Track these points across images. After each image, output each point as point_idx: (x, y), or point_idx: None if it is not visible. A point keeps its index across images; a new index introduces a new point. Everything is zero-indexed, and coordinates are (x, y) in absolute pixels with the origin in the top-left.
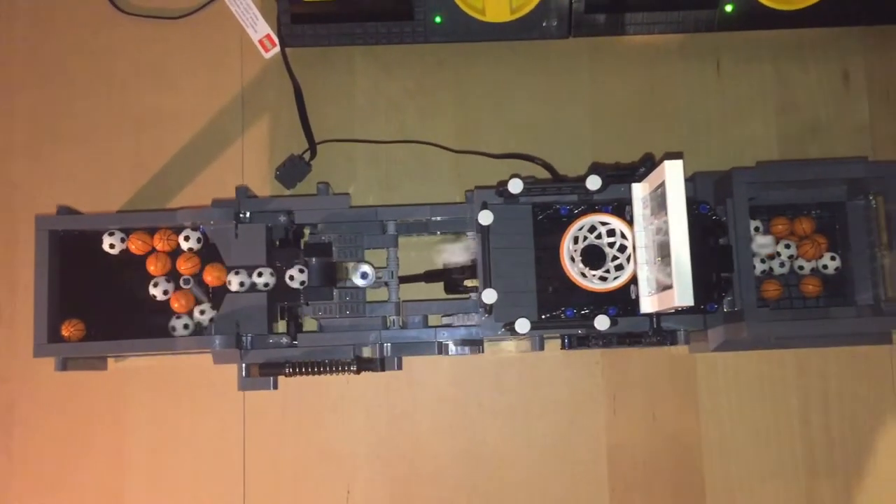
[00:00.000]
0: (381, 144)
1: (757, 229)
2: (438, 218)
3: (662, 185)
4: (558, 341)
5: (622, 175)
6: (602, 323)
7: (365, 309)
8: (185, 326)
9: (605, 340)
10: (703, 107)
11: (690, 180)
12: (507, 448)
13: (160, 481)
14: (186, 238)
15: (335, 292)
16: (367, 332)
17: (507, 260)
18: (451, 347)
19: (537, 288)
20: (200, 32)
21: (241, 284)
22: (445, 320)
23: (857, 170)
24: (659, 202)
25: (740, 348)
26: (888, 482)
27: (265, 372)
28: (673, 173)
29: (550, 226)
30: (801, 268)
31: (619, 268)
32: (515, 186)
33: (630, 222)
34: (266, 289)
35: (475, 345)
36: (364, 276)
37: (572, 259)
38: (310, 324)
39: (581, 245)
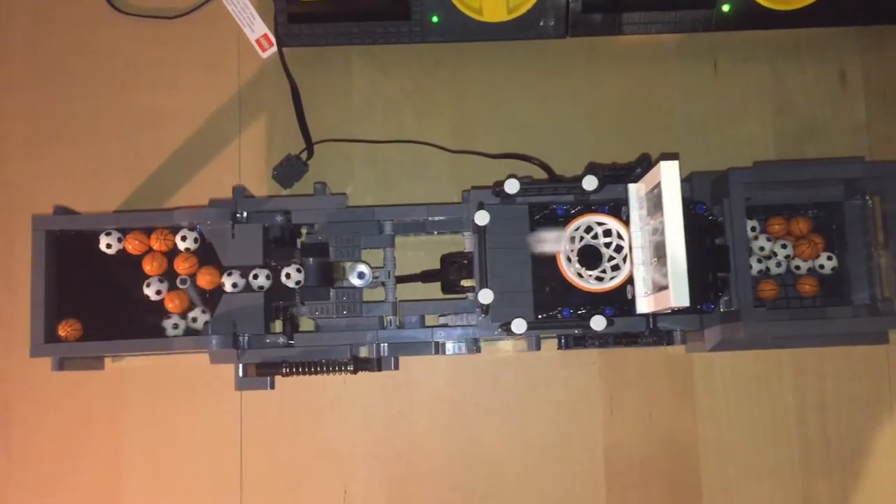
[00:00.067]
0: (378, 144)
1: (754, 229)
2: (435, 218)
3: (658, 185)
4: (555, 341)
5: (618, 175)
6: (598, 323)
7: (362, 309)
8: (175, 326)
9: (602, 340)
10: (700, 107)
11: (687, 180)
12: (504, 448)
13: (157, 481)
14: (183, 238)
15: (332, 292)
16: (364, 331)
17: (504, 260)
18: (448, 347)
19: (534, 288)
20: (197, 32)
21: (234, 286)
22: (442, 320)
23: (854, 170)
24: (655, 202)
25: (737, 348)
26: (885, 482)
27: (262, 372)
28: (669, 174)
29: (547, 226)
30: (797, 268)
31: (616, 268)
32: (512, 187)
33: (626, 222)
34: (261, 290)
35: (472, 344)
36: (361, 275)
37: (569, 259)
38: (307, 324)
39: (577, 245)
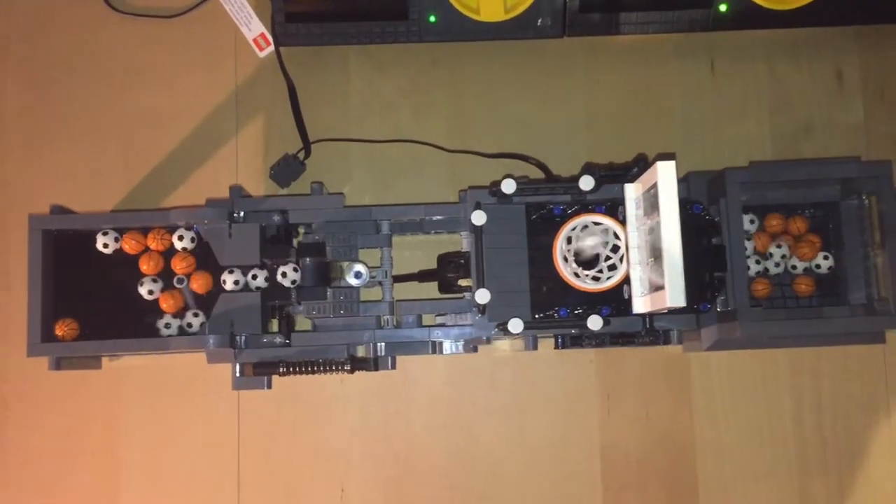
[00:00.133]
0: (376, 144)
1: (752, 221)
2: (432, 217)
3: (655, 185)
4: (552, 340)
5: (615, 175)
6: (595, 323)
7: (359, 308)
8: (167, 326)
9: (598, 340)
10: (698, 106)
11: (684, 180)
12: (502, 447)
13: (155, 480)
14: (180, 238)
15: (329, 292)
16: (361, 331)
17: (501, 260)
18: (446, 346)
19: (531, 288)
20: (194, 31)
21: (237, 283)
22: (439, 320)
23: (851, 170)
24: (652, 203)
25: (734, 347)
26: (881, 481)
27: (259, 371)
28: (665, 174)
29: (544, 226)
30: (794, 267)
31: (612, 268)
32: (508, 186)
33: (623, 222)
34: (257, 290)
35: (469, 343)
36: (358, 275)
37: (565, 259)
38: (304, 323)
39: (574, 245)
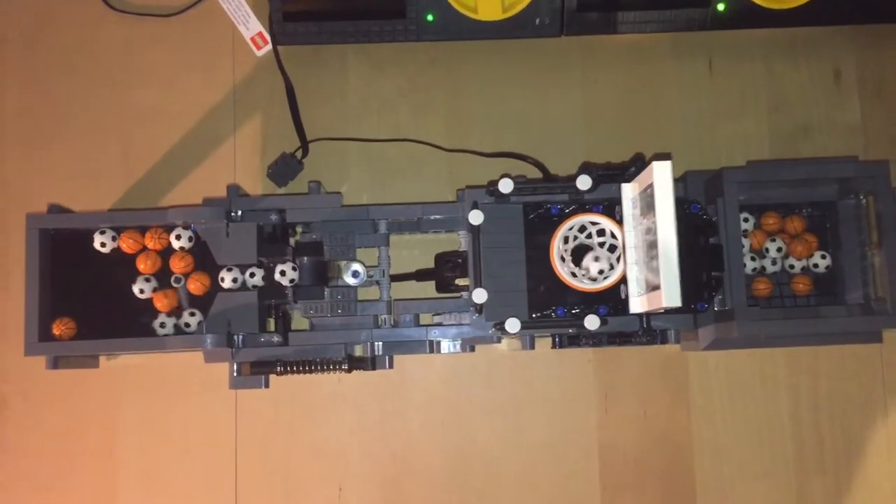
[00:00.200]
0: (374, 143)
1: (746, 220)
2: (430, 217)
3: (651, 185)
4: (550, 339)
5: (612, 175)
6: (592, 322)
7: (356, 308)
8: (162, 325)
9: (596, 340)
10: (695, 105)
11: (681, 179)
12: (499, 446)
13: (153, 478)
14: (178, 237)
15: (326, 291)
16: (359, 330)
17: (498, 259)
18: (443, 345)
19: (528, 287)
20: (192, 30)
21: (235, 281)
22: (437, 319)
23: (848, 169)
24: (648, 202)
25: (731, 347)
26: (878, 480)
27: (257, 370)
28: (661, 174)
29: (541, 225)
30: (791, 266)
31: (610, 267)
32: (506, 186)
33: (620, 222)
34: (254, 289)
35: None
36: (355, 274)
37: (562, 258)
38: (301, 322)
39: (571, 245)
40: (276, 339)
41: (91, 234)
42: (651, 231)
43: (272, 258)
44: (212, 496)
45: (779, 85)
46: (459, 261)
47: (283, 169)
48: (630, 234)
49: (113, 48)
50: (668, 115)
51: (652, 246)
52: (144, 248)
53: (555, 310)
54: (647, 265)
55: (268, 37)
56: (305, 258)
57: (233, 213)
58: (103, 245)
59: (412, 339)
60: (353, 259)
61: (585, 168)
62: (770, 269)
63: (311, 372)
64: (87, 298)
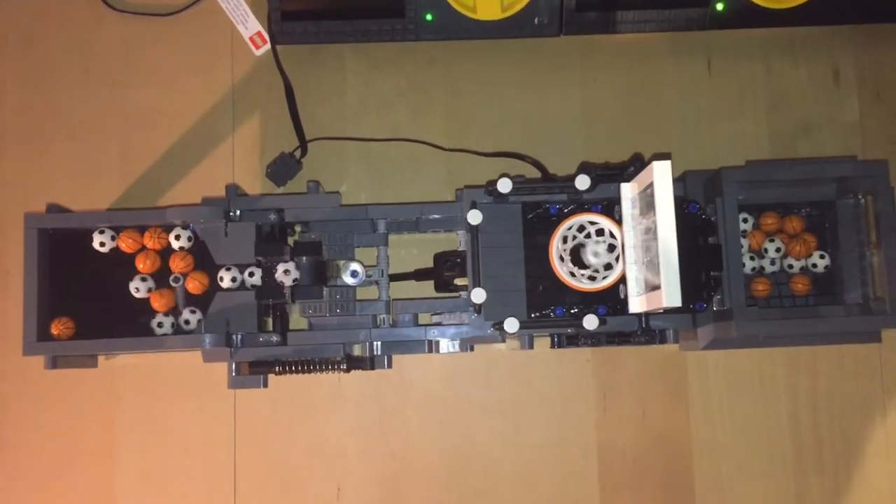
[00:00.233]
0: (372, 142)
1: (745, 220)
2: (429, 216)
3: (651, 185)
4: (549, 339)
5: (611, 175)
6: (590, 322)
7: (355, 307)
8: (160, 325)
9: (594, 339)
10: (694, 105)
11: (680, 179)
12: (498, 446)
13: (151, 478)
14: (177, 237)
15: (325, 291)
16: (358, 330)
17: (497, 259)
18: (442, 345)
19: (527, 287)
20: (191, 30)
21: (234, 280)
22: (435, 318)
23: (847, 169)
24: (647, 202)
25: (730, 346)
26: (877, 480)
27: (255, 370)
28: (661, 174)
29: (540, 225)
30: (790, 266)
31: (608, 267)
32: (504, 186)
33: (619, 222)
34: (252, 289)
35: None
36: (354, 274)
37: (561, 258)
38: (300, 322)
39: (570, 244)
40: (274, 338)
41: (90, 234)
42: (650, 231)
43: (271, 258)
44: (211, 496)
45: (778, 84)
46: (458, 260)
47: (282, 168)
48: (629, 234)
49: (111, 47)
50: (667, 114)
51: (651, 246)
52: (143, 248)
53: (553, 309)
54: (646, 265)
55: (266, 36)
56: (304, 258)
57: (231, 213)
58: (102, 245)
59: (411, 338)
60: (352, 259)
61: (584, 168)
62: (769, 268)
63: (309, 371)
64: (86, 298)
